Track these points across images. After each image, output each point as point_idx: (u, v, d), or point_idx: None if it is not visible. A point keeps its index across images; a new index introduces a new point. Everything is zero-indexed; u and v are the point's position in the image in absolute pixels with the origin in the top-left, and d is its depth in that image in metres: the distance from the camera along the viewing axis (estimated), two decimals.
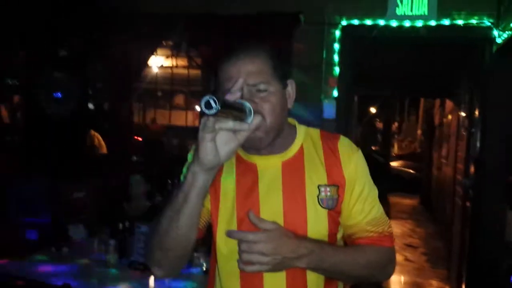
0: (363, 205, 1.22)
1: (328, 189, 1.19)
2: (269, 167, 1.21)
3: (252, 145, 1.14)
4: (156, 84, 5.84)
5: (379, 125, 15.49)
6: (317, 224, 1.17)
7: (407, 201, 11.75)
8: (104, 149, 5.82)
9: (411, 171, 14.04)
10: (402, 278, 5.55)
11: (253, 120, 1.02)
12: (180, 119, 6.48)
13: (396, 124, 23.60)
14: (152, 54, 4.57)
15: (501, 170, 3.64)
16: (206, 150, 0.99)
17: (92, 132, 6.40)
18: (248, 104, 1.03)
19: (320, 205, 1.18)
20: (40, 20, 4.19)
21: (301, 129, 1.28)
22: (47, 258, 2.96)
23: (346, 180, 1.21)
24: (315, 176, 1.20)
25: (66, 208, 4.06)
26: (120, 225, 3.01)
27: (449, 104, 7.57)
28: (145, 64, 4.57)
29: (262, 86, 1.12)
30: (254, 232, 1.06)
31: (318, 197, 1.18)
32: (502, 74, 3.63)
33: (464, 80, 5.09)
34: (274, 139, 1.17)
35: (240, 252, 1.05)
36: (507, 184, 3.67)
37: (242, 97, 1.08)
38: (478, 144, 3.88)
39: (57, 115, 4.37)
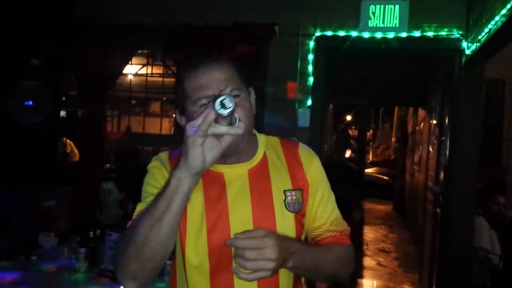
0: (325, 207, 1.29)
1: (293, 193, 1.23)
2: (236, 175, 1.23)
3: (227, 151, 1.10)
4: (130, 92, 5.81)
5: (354, 133, 15.67)
6: (285, 228, 1.20)
7: (381, 207, 11.91)
8: (77, 157, 5.75)
9: (385, 177, 14.25)
10: (375, 283, 5.62)
11: (239, 125, 1.02)
12: (155, 126, 6.44)
13: (371, 131, 23.95)
14: (127, 63, 4.56)
15: (469, 178, 3.73)
16: (196, 154, 0.97)
17: (65, 139, 6.31)
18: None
19: (287, 209, 1.22)
20: (11, 28, 4.13)
21: (261, 137, 1.32)
22: (15, 266, 2.91)
23: (309, 183, 1.27)
24: (280, 182, 1.24)
25: (36, 216, 4.00)
26: (91, 233, 2.98)
27: (421, 112, 7.73)
28: (119, 73, 4.54)
29: (234, 92, 1.14)
30: (259, 238, 1.02)
31: (284, 201, 1.22)
32: (470, 84, 3.74)
33: (435, 89, 5.21)
34: (244, 145, 1.18)
35: (245, 261, 1.00)
36: (476, 191, 3.77)
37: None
38: (447, 152, 3.98)
39: (28, 123, 4.30)
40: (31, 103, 4.30)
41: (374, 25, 3.76)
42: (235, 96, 1.13)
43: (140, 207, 1.18)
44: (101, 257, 2.90)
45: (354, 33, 3.79)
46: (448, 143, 3.98)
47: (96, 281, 2.72)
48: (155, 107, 8.09)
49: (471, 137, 3.73)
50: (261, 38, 3.90)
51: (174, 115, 6.91)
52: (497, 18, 2.74)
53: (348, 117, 13.87)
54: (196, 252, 1.18)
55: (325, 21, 3.89)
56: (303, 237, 1.30)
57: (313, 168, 1.29)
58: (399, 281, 5.73)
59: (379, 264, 6.46)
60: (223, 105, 0.94)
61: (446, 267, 3.85)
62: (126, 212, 3.69)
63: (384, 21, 3.74)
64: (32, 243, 3.33)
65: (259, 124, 4.12)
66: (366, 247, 7.35)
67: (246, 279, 1.02)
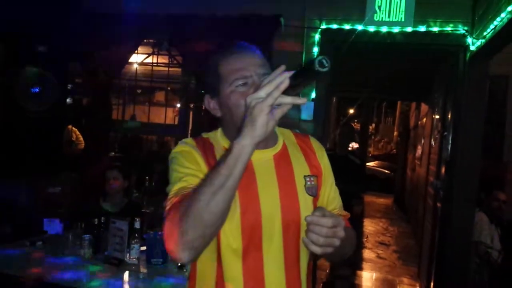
0: (335, 193, 1.42)
1: (312, 178, 1.33)
2: (263, 160, 1.29)
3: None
4: (136, 81, 5.83)
5: (357, 126, 15.68)
6: (307, 210, 1.26)
7: (381, 201, 11.95)
8: (82, 145, 5.79)
9: (386, 171, 14.27)
10: (374, 275, 5.67)
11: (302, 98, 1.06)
12: (160, 115, 6.47)
13: (373, 125, 23.93)
14: (133, 53, 4.58)
15: (470, 173, 3.76)
16: (264, 122, 1.00)
17: (70, 127, 6.34)
18: None
19: (307, 193, 1.31)
20: (18, 15, 4.15)
21: (276, 127, 1.35)
22: (21, 252, 2.96)
23: (322, 171, 1.38)
24: (300, 168, 1.33)
25: (41, 202, 4.04)
26: (96, 220, 3.02)
27: (424, 107, 7.74)
28: (125, 62, 4.57)
29: (269, 73, 1.17)
30: (335, 218, 1.09)
31: (305, 186, 1.31)
32: (474, 80, 3.75)
33: (439, 85, 5.23)
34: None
35: (319, 236, 1.06)
36: (476, 187, 3.80)
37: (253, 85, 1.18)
38: (449, 147, 4.00)
39: (34, 110, 4.34)
40: (37, 90, 4.33)
41: (380, 19, 3.76)
42: None
43: (178, 185, 1.19)
44: (105, 244, 2.94)
45: (359, 27, 3.80)
46: (450, 138, 4.00)
47: (100, 267, 2.76)
48: (160, 96, 8.11)
49: (473, 132, 3.75)
50: (266, 30, 3.91)
51: (178, 105, 6.95)
52: (503, 15, 2.76)
53: (351, 111, 13.90)
54: (230, 233, 1.23)
55: (330, 14, 3.90)
56: None
57: (324, 158, 1.41)
58: (398, 274, 5.78)
59: (378, 256, 6.51)
60: (321, 64, 0.96)
61: (445, 261, 3.89)
62: (130, 199, 3.73)
63: (390, 15, 3.74)
64: (37, 228, 3.37)
65: None
66: (366, 239, 7.40)
67: (316, 251, 1.08)
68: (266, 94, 0.99)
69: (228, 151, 1.04)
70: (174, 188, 1.19)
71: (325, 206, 1.35)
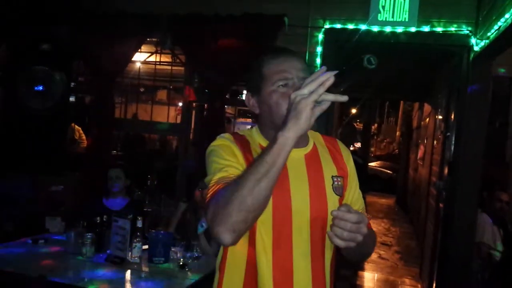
0: (359, 195, 1.51)
1: (338, 179, 1.42)
2: (296, 158, 1.35)
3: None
4: (139, 79, 5.82)
5: (359, 126, 15.67)
6: (332, 208, 1.29)
7: (384, 201, 11.94)
8: (85, 143, 5.79)
9: (388, 171, 14.26)
10: (376, 275, 5.67)
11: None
12: (162, 114, 6.46)
13: (375, 125, 23.90)
14: (136, 51, 4.58)
15: (473, 174, 3.75)
16: (308, 115, 1.06)
17: (73, 125, 6.34)
18: None
19: (334, 192, 1.39)
20: (22, 13, 4.16)
21: None
22: (23, 250, 2.96)
23: (348, 172, 1.47)
24: (328, 168, 1.42)
25: (43, 201, 4.05)
26: (98, 219, 3.03)
27: (427, 107, 7.72)
28: (128, 61, 4.57)
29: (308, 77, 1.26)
30: (360, 215, 1.14)
31: (332, 185, 1.39)
32: (478, 81, 3.74)
33: (442, 85, 5.22)
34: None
35: (343, 231, 1.12)
36: (479, 187, 3.79)
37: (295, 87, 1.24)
38: (452, 148, 3.99)
39: (37, 108, 4.34)
40: (41, 88, 4.34)
41: (384, 19, 3.75)
42: None
43: (219, 175, 1.26)
44: (108, 242, 2.94)
45: (363, 27, 3.79)
46: (453, 139, 3.99)
47: (102, 266, 2.77)
48: (162, 95, 8.10)
49: (476, 133, 3.75)
50: (270, 29, 3.91)
51: (180, 105, 6.94)
52: (507, 15, 2.75)
53: (353, 110, 13.87)
54: (262, 224, 1.29)
55: (334, 13, 3.90)
56: None
57: (350, 161, 1.50)
58: (399, 274, 5.77)
59: (380, 257, 6.51)
60: (369, 62, 1.01)
61: (447, 262, 3.89)
62: (132, 198, 3.74)
63: (393, 15, 3.73)
64: (39, 226, 3.38)
65: None
66: None
67: (340, 245, 1.14)
68: (309, 91, 1.06)
69: (272, 142, 1.10)
70: (215, 178, 1.26)
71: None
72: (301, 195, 1.33)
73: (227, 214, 1.11)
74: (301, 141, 1.36)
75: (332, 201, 1.37)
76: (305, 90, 1.07)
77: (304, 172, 1.36)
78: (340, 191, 1.41)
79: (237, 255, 1.37)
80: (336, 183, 1.40)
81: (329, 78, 1.06)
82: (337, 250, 1.43)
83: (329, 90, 1.08)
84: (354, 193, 1.48)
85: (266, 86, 1.33)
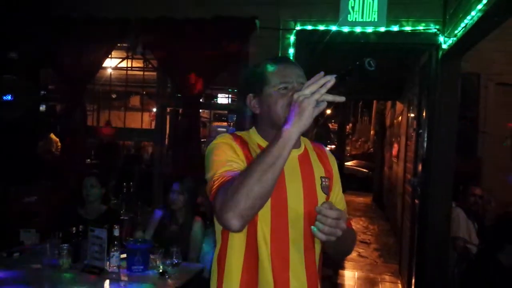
0: (342, 197, 1.64)
1: (326, 180, 1.54)
2: (290, 158, 1.39)
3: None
4: (110, 86, 5.75)
5: (334, 126, 15.82)
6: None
7: (361, 199, 12.07)
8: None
9: (365, 170, 14.42)
10: (356, 274, 5.72)
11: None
12: (136, 120, 6.40)
13: (350, 125, 24.16)
14: (107, 57, 4.51)
15: (446, 169, 3.83)
16: (310, 113, 1.18)
17: (51, 136, 6.22)
18: None
19: (323, 191, 1.52)
20: None
21: None
22: None
23: (333, 175, 1.60)
24: (317, 169, 1.54)
25: (17, 213, 3.95)
26: (74, 229, 2.97)
27: (399, 106, 7.84)
28: (99, 67, 4.50)
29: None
30: (340, 212, 1.26)
31: (321, 185, 1.52)
32: (447, 78, 3.82)
33: (413, 83, 5.31)
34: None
35: (324, 226, 1.23)
36: (452, 183, 3.87)
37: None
38: (425, 145, 4.06)
39: (6, 118, 4.24)
40: (9, 97, 4.24)
41: (353, 20, 3.80)
42: None
43: (223, 169, 1.34)
44: (85, 252, 2.89)
45: (333, 28, 3.83)
46: (425, 136, 4.06)
47: (80, 277, 2.72)
48: (135, 101, 8.03)
49: (448, 129, 3.82)
50: (242, 32, 3.91)
51: (154, 110, 6.87)
52: (473, 13, 2.81)
53: (328, 111, 14.00)
54: (262, 217, 1.39)
55: (305, 15, 3.93)
56: None
57: (335, 165, 1.63)
58: (379, 272, 5.83)
59: (359, 255, 6.57)
60: (369, 64, 1.15)
61: (425, 257, 3.95)
62: (108, 207, 3.68)
63: (363, 16, 3.79)
64: (13, 239, 3.29)
65: (242, 115, 4.14)
66: None
67: (321, 238, 1.24)
68: (311, 92, 1.17)
69: (277, 137, 1.21)
70: (220, 171, 1.34)
71: None
72: (295, 192, 1.44)
73: (236, 201, 1.19)
74: (295, 143, 1.42)
75: (321, 199, 1.48)
76: (307, 91, 1.18)
77: (298, 171, 1.48)
78: (326, 190, 1.53)
79: (235, 247, 1.46)
80: (324, 183, 1.53)
81: (330, 80, 1.18)
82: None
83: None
84: (337, 195, 1.61)
85: (268, 88, 1.45)
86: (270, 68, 1.47)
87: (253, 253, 1.43)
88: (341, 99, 1.20)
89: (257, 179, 1.19)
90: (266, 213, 1.39)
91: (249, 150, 1.45)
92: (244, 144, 1.46)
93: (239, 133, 1.54)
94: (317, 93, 1.17)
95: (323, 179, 1.53)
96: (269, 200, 1.34)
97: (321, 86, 1.18)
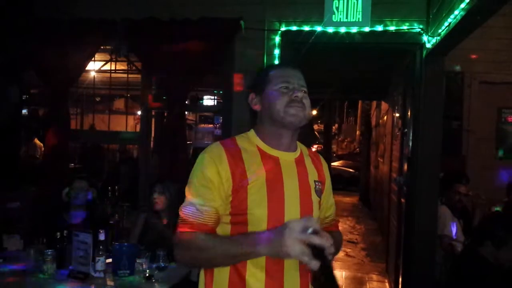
0: (333, 202, 1.74)
1: (319, 183, 1.61)
2: (288, 160, 1.55)
3: (294, 125, 1.50)
4: (94, 89, 5.69)
5: (320, 127, 15.89)
6: (316, 209, 1.57)
7: (347, 199, 12.11)
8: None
9: (351, 170, 14.49)
10: (344, 273, 5.73)
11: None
12: (120, 123, 6.34)
13: (336, 125, 24.28)
14: (90, 60, 4.45)
15: (432, 168, 3.85)
16: (285, 256, 1.26)
17: (35, 141, 6.13)
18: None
19: (316, 194, 1.58)
20: None
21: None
22: None
23: (325, 181, 1.67)
24: (312, 173, 1.60)
25: (0, 218, 3.88)
26: (58, 234, 2.92)
27: (384, 106, 7.89)
28: (82, 70, 4.43)
29: (305, 89, 1.56)
30: (330, 239, 1.29)
31: (314, 188, 1.58)
32: (431, 77, 3.85)
33: (397, 83, 5.34)
34: (297, 133, 1.57)
35: (329, 254, 1.27)
36: (438, 181, 3.89)
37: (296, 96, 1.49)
38: (410, 144, 4.08)
39: None
40: None
41: (338, 20, 3.81)
42: (305, 92, 1.54)
43: (190, 204, 1.43)
44: (69, 258, 2.84)
45: (318, 28, 3.84)
46: (410, 135, 4.08)
47: (65, 282, 2.67)
48: (120, 104, 7.96)
49: (433, 128, 3.85)
50: (227, 33, 3.90)
51: (139, 113, 6.82)
52: (456, 12, 2.83)
53: (314, 112, 14.03)
54: (259, 216, 1.42)
55: (290, 16, 3.93)
56: None
57: (328, 172, 1.71)
58: (367, 271, 5.85)
59: (347, 255, 6.58)
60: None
61: (412, 255, 3.97)
62: (93, 210, 3.63)
63: (347, 16, 3.80)
64: None
65: (228, 118, 4.12)
66: None
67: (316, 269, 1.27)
68: (301, 250, 1.22)
69: (251, 243, 1.30)
70: (187, 202, 1.44)
71: (325, 211, 1.69)
72: (292, 193, 1.49)
73: (188, 264, 1.48)
74: (292, 145, 1.58)
75: (315, 202, 1.56)
76: (298, 241, 1.22)
77: (295, 173, 1.53)
78: (319, 194, 1.60)
79: None
80: (317, 186, 1.59)
81: (322, 244, 1.23)
82: None
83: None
84: (328, 200, 1.69)
85: (270, 86, 1.53)
86: (274, 69, 1.58)
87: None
88: (314, 266, 1.23)
89: (210, 263, 1.40)
90: (263, 213, 1.42)
91: (241, 160, 1.46)
92: (236, 155, 1.47)
93: (238, 136, 1.57)
94: (303, 255, 1.22)
95: (317, 183, 1.59)
96: (266, 202, 1.42)
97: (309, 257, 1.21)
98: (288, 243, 1.23)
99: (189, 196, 1.44)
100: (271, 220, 1.42)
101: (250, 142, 1.54)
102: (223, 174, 1.41)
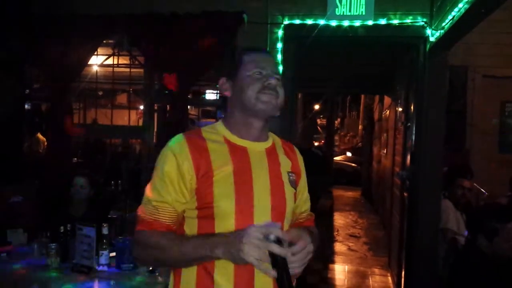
0: (307, 196, 1.66)
1: (293, 175, 1.54)
2: (257, 151, 1.48)
3: (265, 113, 1.44)
4: (96, 83, 5.69)
5: (323, 121, 15.87)
6: (289, 200, 1.49)
7: (350, 194, 12.12)
8: None
9: (353, 164, 14.48)
10: (346, 267, 5.74)
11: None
12: (123, 118, 6.33)
13: (338, 120, 24.25)
14: (93, 54, 4.45)
15: (435, 162, 3.84)
16: (242, 262, 1.21)
17: (38, 136, 6.13)
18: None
19: (291, 185, 1.51)
20: None
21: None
22: None
23: (301, 172, 1.60)
24: (285, 164, 1.53)
25: (3, 213, 3.89)
26: (62, 228, 2.93)
27: (387, 100, 7.87)
28: (85, 64, 4.43)
29: (279, 77, 1.48)
30: (307, 252, 1.29)
31: (289, 179, 1.51)
32: (435, 71, 3.83)
33: (401, 77, 5.32)
34: (268, 123, 1.49)
35: (304, 260, 1.28)
36: (441, 175, 3.88)
37: (269, 84, 1.43)
38: (413, 138, 4.07)
39: None
40: None
41: (341, 13, 3.79)
42: (278, 80, 1.47)
43: (147, 201, 1.39)
44: (73, 252, 2.85)
45: (321, 22, 3.82)
46: (413, 129, 4.07)
47: (69, 276, 2.68)
48: (122, 98, 7.96)
49: (436, 122, 3.83)
50: (229, 27, 3.88)
51: (141, 108, 6.83)
52: (460, 5, 2.82)
53: (316, 106, 14.02)
54: (224, 210, 1.36)
55: (293, 9, 3.91)
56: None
57: (302, 164, 1.63)
58: (369, 265, 5.86)
59: (349, 249, 6.59)
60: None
61: (414, 249, 3.97)
62: (97, 204, 3.63)
63: (350, 9, 3.78)
64: (0, 240, 3.24)
65: None
66: (336, 233, 7.48)
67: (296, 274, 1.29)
68: (260, 246, 1.18)
69: (208, 245, 1.26)
70: (146, 196, 1.40)
71: (301, 206, 1.61)
72: (261, 184, 1.42)
73: (146, 263, 1.55)
74: (263, 135, 1.51)
75: (289, 193, 1.49)
76: (256, 248, 1.18)
77: (265, 163, 1.46)
78: (294, 185, 1.53)
79: None
80: (291, 177, 1.52)
81: (281, 253, 1.18)
82: None
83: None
84: (303, 194, 1.62)
85: (242, 72, 1.46)
86: (248, 54, 1.50)
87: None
88: (272, 274, 1.19)
89: (170, 264, 1.36)
90: (229, 209, 1.35)
91: (206, 150, 1.39)
92: (199, 146, 1.40)
93: (203, 129, 1.50)
94: (258, 263, 1.18)
95: (290, 174, 1.52)
96: (234, 195, 1.36)
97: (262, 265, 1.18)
98: (244, 248, 1.18)
99: (147, 192, 1.40)
100: (239, 214, 1.36)
101: (216, 133, 1.47)
102: (185, 168, 1.35)
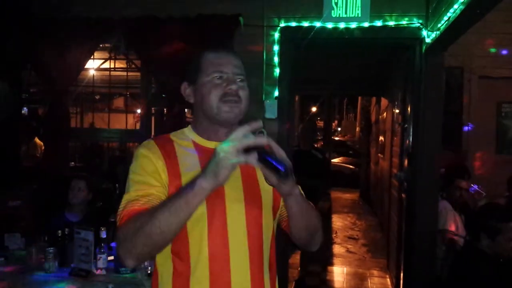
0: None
1: None
2: None
3: (229, 122, 1.38)
4: (93, 87, 5.69)
5: (320, 123, 15.87)
6: (267, 197, 1.43)
7: (348, 196, 12.11)
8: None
9: (351, 166, 14.49)
10: (345, 269, 5.74)
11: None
12: (120, 122, 6.34)
13: (336, 122, 24.28)
14: (89, 58, 4.44)
15: (432, 163, 3.85)
16: (227, 174, 1.13)
17: (36, 140, 6.12)
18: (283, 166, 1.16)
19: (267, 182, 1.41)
20: None
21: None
22: None
23: None
24: None
25: (1, 217, 3.88)
26: (59, 232, 2.92)
27: (384, 101, 7.89)
28: (81, 68, 4.42)
29: (242, 77, 1.42)
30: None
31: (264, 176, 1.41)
32: (431, 72, 3.84)
33: (397, 78, 5.33)
34: (236, 124, 1.39)
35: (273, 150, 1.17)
36: (439, 176, 3.89)
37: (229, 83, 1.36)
38: (411, 139, 4.08)
39: None
40: None
41: (337, 15, 3.81)
42: (241, 81, 1.40)
43: (128, 196, 1.30)
44: (71, 255, 2.85)
45: (318, 24, 3.83)
46: (411, 130, 4.08)
47: (66, 280, 2.67)
48: (119, 102, 7.96)
49: (433, 123, 3.84)
50: (226, 29, 3.89)
51: (139, 111, 6.83)
52: (455, 6, 2.83)
53: (314, 108, 14.02)
54: (197, 212, 1.26)
55: (289, 12, 3.92)
56: (278, 213, 1.50)
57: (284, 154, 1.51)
58: (368, 267, 5.86)
59: (348, 251, 6.59)
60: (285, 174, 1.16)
61: (413, 251, 3.97)
62: (95, 209, 3.63)
63: (346, 11, 3.79)
64: None
65: None
66: (335, 235, 7.48)
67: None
68: (233, 148, 1.10)
69: (190, 186, 1.15)
70: (125, 198, 1.31)
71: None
72: (233, 185, 1.36)
73: (132, 246, 1.19)
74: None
75: (265, 190, 1.42)
76: (230, 148, 1.10)
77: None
78: None
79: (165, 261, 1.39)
80: None
81: (258, 142, 1.11)
82: (287, 237, 1.50)
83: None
84: None
85: (202, 77, 1.40)
86: (206, 56, 1.43)
87: (185, 259, 1.34)
88: (263, 141, 1.13)
89: (160, 229, 1.15)
90: (200, 209, 1.26)
91: (174, 151, 1.38)
92: (168, 146, 1.39)
93: (172, 134, 1.47)
94: (238, 156, 1.11)
95: None
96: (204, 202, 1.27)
97: (247, 146, 1.11)
98: (220, 156, 1.11)
99: (126, 194, 1.32)
100: (211, 214, 1.33)
101: (185, 137, 1.45)
102: (159, 166, 1.33)
